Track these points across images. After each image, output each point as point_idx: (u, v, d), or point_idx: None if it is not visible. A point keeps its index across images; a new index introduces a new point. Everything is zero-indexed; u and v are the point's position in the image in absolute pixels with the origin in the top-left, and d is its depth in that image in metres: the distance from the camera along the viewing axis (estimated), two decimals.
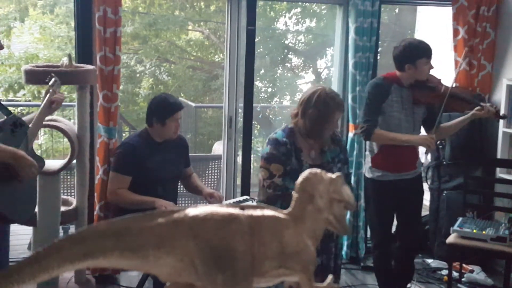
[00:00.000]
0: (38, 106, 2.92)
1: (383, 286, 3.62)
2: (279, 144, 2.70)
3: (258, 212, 1.29)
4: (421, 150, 3.85)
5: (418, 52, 3.26)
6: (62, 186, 4.04)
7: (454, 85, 3.42)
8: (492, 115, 3.37)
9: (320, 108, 2.69)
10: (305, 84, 10.91)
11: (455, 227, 3.65)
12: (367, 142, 3.47)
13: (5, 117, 2.65)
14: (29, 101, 7.89)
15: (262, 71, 10.00)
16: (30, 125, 2.74)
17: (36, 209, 3.43)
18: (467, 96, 3.52)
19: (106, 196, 3.50)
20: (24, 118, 2.80)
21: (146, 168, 3.28)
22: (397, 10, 10.06)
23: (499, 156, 4.21)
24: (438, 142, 4.31)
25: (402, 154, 3.37)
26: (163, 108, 3.32)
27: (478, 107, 3.34)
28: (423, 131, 3.59)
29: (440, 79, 3.46)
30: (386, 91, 3.31)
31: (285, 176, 2.67)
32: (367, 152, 3.50)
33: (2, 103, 2.71)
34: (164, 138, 3.37)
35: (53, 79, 2.96)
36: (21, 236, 3.08)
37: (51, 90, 2.90)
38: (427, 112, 3.43)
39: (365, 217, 4.51)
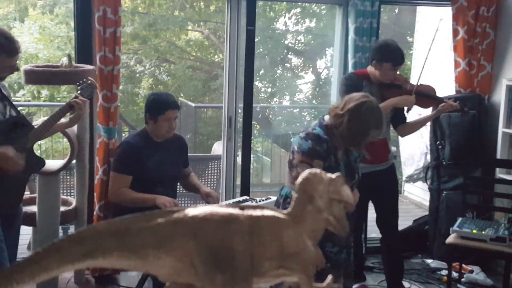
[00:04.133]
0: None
1: (355, 274, 3.56)
2: (321, 141, 2.69)
3: (257, 212, 1.29)
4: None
5: (387, 56, 3.42)
6: (61, 186, 4.04)
7: (419, 83, 3.62)
8: (457, 110, 3.62)
9: (367, 121, 2.66)
10: (305, 84, 10.91)
11: (455, 227, 3.65)
12: None
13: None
14: (29, 101, 7.89)
15: (262, 71, 10.00)
16: (36, 127, 2.76)
17: (36, 209, 3.44)
18: (432, 94, 3.70)
19: (107, 196, 3.50)
20: (39, 120, 2.83)
21: (145, 167, 3.28)
22: (396, 11, 10.07)
23: (498, 156, 4.21)
24: (438, 142, 4.34)
25: (373, 146, 3.34)
26: (155, 105, 3.33)
27: (442, 104, 3.58)
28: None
29: (406, 78, 3.63)
30: (358, 84, 3.44)
31: None
32: None
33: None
34: (158, 136, 3.36)
35: (83, 84, 2.96)
36: (20, 236, 3.08)
37: (78, 93, 2.92)
38: (395, 108, 3.57)
39: None
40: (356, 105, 2.67)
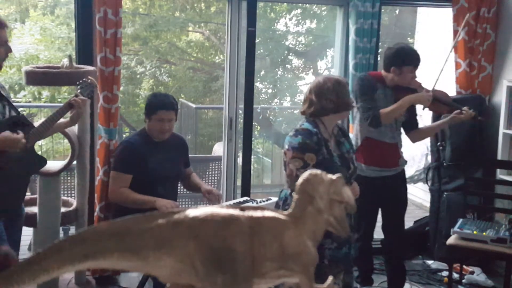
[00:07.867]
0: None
1: (363, 277, 3.74)
2: (311, 134, 2.72)
3: (258, 213, 1.29)
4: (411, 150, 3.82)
5: (407, 59, 3.39)
6: (62, 187, 4.04)
7: (434, 89, 3.56)
8: (471, 119, 3.51)
9: (335, 85, 2.77)
10: (306, 85, 10.91)
11: (456, 228, 3.65)
12: (351, 135, 3.51)
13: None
14: (30, 102, 7.89)
15: (263, 72, 10.00)
16: (36, 126, 2.76)
17: (37, 210, 3.44)
18: (447, 100, 3.63)
19: (108, 195, 3.49)
20: (40, 120, 2.83)
21: (145, 167, 3.28)
22: (397, 12, 10.07)
23: (499, 157, 4.21)
24: (439, 143, 4.33)
25: (384, 149, 3.47)
26: (149, 103, 3.37)
27: (457, 111, 3.49)
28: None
29: (421, 83, 3.55)
30: (374, 85, 3.44)
31: (318, 166, 2.64)
32: None
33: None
34: (154, 136, 3.36)
35: (83, 83, 2.96)
36: (21, 237, 3.08)
37: (78, 92, 2.92)
38: (408, 113, 3.54)
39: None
40: (314, 82, 2.83)
